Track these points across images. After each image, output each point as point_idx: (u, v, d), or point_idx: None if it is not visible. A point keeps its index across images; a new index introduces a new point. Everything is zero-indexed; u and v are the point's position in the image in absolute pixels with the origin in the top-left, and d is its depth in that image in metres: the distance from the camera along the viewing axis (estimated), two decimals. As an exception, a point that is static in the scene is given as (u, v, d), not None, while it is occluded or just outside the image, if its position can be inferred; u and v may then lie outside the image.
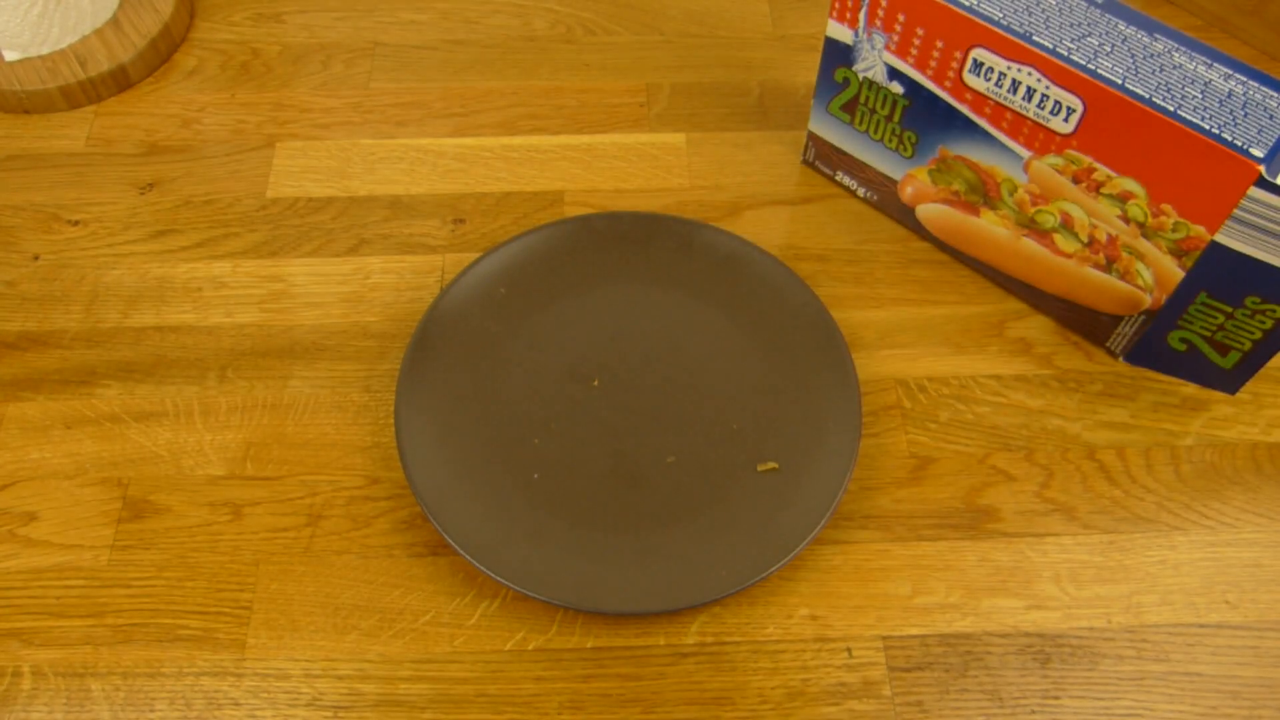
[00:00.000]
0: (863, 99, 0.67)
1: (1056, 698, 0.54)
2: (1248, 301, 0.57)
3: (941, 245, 0.70)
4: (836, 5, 0.64)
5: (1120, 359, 0.66)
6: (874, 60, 0.65)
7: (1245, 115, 0.53)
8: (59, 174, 0.74)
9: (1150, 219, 0.58)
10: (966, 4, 0.58)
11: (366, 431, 0.63)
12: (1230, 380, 0.63)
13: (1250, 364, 0.61)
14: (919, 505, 0.60)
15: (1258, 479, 0.61)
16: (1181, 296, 0.59)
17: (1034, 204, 0.62)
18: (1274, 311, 0.57)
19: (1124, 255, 0.60)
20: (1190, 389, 0.65)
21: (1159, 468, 0.62)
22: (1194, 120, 0.53)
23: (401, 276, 0.69)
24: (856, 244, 0.71)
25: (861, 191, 0.73)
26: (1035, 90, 0.58)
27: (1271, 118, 0.53)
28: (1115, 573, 0.58)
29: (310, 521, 0.59)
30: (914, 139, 0.66)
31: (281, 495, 0.60)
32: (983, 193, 0.65)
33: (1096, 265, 0.62)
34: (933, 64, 0.62)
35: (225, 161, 0.75)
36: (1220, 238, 0.55)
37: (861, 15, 0.63)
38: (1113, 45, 0.56)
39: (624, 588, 0.55)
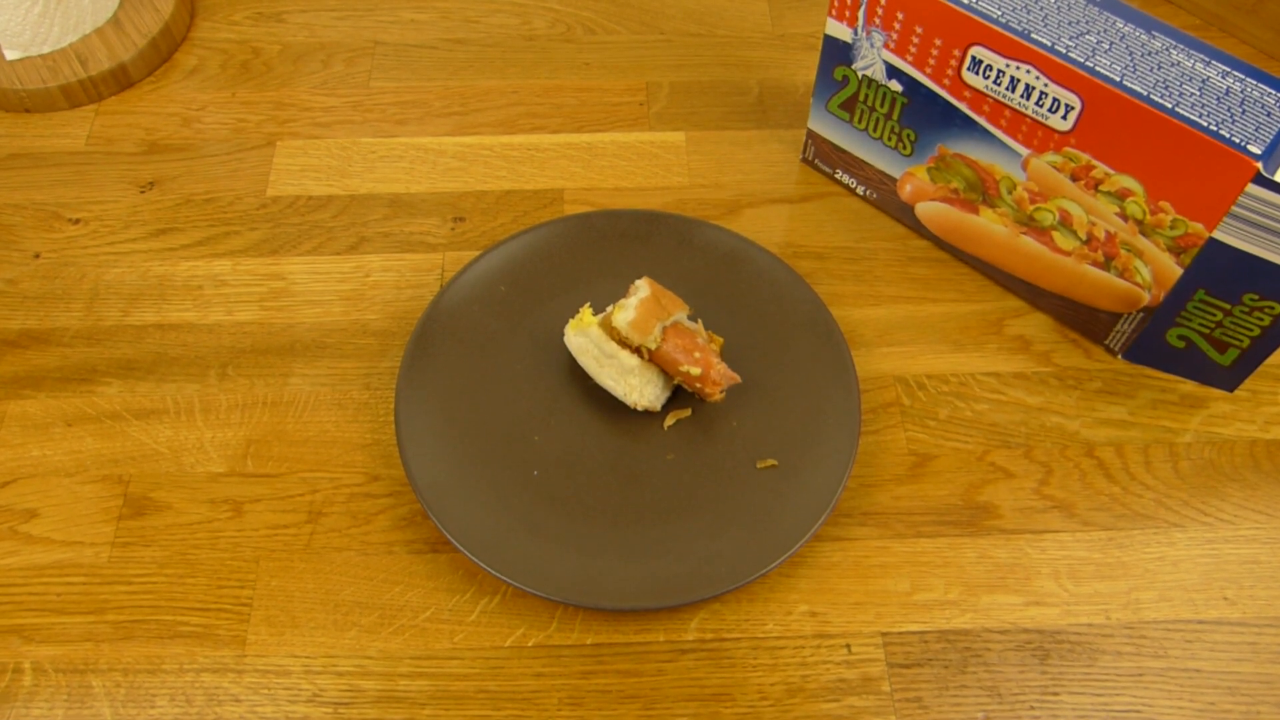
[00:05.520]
0: (862, 97, 0.67)
1: (1055, 694, 0.54)
2: (1246, 298, 0.57)
3: (940, 243, 0.70)
4: (835, 4, 0.64)
5: (1119, 356, 0.66)
6: (873, 58, 0.65)
7: (1243, 112, 0.53)
8: (60, 172, 0.74)
9: (1148, 216, 0.58)
10: (965, 2, 0.59)
11: (367, 429, 0.63)
12: (1228, 377, 0.63)
13: (1248, 361, 0.61)
14: (918, 502, 0.60)
15: (1256, 476, 0.61)
16: (1180, 294, 0.59)
17: (1032, 201, 0.63)
18: (1272, 308, 0.57)
19: (1122, 252, 0.60)
20: (1189, 386, 0.65)
21: (1157, 465, 0.62)
22: (1192, 117, 0.53)
23: (401, 274, 0.69)
24: (856, 242, 0.71)
25: (861, 189, 0.73)
26: (1034, 88, 0.58)
27: (1269, 115, 0.53)
28: (1114, 569, 0.58)
29: (310, 518, 0.59)
30: (913, 137, 0.66)
31: (282, 492, 0.60)
32: (981, 190, 0.65)
33: (1095, 263, 0.62)
34: (931, 62, 0.62)
35: (226, 160, 0.75)
36: (1218, 235, 0.55)
37: (860, 13, 0.63)
38: (1111, 43, 0.57)
39: (623, 584, 0.55)
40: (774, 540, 0.56)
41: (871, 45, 0.64)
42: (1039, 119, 0.59)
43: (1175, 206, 0.56)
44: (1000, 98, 0.60)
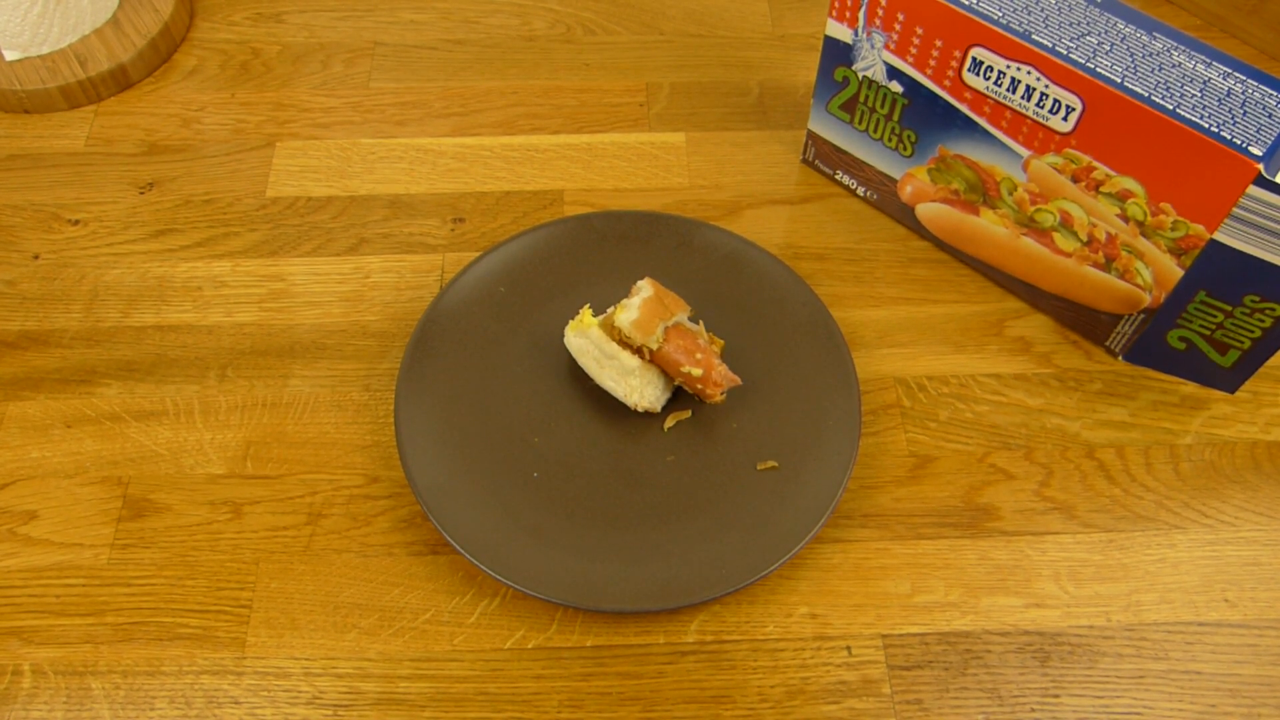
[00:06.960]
0: (862, 98, 0.67)
1: (1056, 696, 0.54)
2: (1247, 300, 0.57)
3: (941, 244, 0.70)
4: (836, 4, 0.64)
5: (1119, 358, 0.66)
6: (873, 59, 0.65)
7: (1244, 114, 0.53)
8: (59, 173, 0.74)
9: (1149, 217, 0.58)
10: (966, 3, 0.58)
11: (366, 430, 0.63)
12: (1229, 379, 0.63)
13: (1249, 362, 0.61)
14: (918, 504, 0.60)
15: (1257, 477, 0.61)
16: (1181, 295, 0.59)
17: (1033, 203, 0.63)
18: (1273, 310, 0.57)
19: (1123, 254, 0.60)
20: (1189, 388, 0.65)
21: (1158, 466, 0.62)
22: (1193, 119, 0.53)
23: (401, 276, 0.69)
24: (856, 243, 0.71)
25: (861, 191, 0.73)
26: (1034, 89, 0.58)
27: (1270, 116, 0.53)
28: (1114, 571, 0.58)
29: (310, 520, 0.59)
30: (913, 138, 0.66)
31: (281, 494, 0.60)
32: (982, 192, 0.65)
33: (1096, 264, 0.62)
34: (932, 63, 0.62)
35: (225, 161, 0.75)
36: (1219, 236, 0.55)
37: (861, 14, 0.63)
38: (1112, 44, 0.57)
39: (623, 586, 0.55)
40: (774, 542, 0.56)
41: (872, 46, 0.64)
42: (1040, 120, 0.59)
43: (1176, 208, 0.56)
44: (1001, 99, 0.60)
